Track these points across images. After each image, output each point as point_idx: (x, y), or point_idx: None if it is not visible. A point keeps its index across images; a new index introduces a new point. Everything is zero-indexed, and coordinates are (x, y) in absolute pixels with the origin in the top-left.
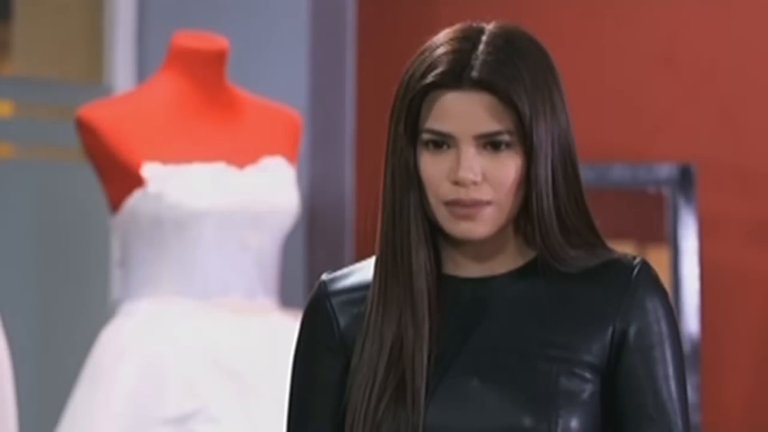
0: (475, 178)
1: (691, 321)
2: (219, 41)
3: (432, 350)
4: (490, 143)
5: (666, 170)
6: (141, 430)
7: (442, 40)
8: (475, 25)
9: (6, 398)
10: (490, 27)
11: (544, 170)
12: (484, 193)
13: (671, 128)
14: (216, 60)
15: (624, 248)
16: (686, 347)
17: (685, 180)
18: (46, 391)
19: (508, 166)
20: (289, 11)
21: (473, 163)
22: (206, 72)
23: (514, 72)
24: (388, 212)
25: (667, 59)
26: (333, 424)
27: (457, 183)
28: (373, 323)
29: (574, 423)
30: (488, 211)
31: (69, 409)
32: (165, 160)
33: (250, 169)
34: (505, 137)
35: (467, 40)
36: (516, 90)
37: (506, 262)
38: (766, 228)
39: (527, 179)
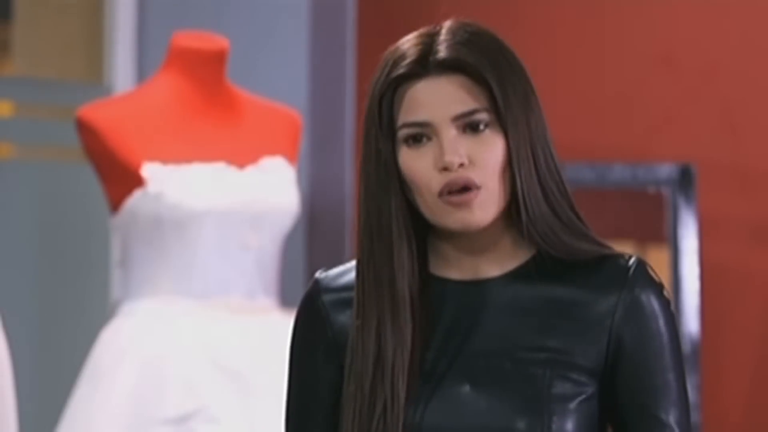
0: (462, 159)
1: (691, 321)
2: (219, 41)
3: (418, 356)
4: (469, 125)
5: (666, 170)
6: (141, 430)
7: (401, 42)
8: (432, 26)
9: (6, 398)
10: (446, 22)
11: (525, 148)
12: (474, 174)
13: (671, 128)
14: (216, 60)
15: (624, 248)
16: (686, 347)
17: (685, 180)
18: (46, 391)
19: (493, 146)
20: (289, 11)
21: (456, 145)
22: (206, 72)
23: (477, 51)
24: (365, 218)
25: (667, 59)
26: (330, 420)
27: (445, 169)
28: (356, 339)
29: (568, 427)
30: (480, 197)
31: (69, 409)
32: (165, 160)
33: (250, 169)
34: (483, 115)
35: (426, 35)
36: (483, 65)
37: (499, 263)
38: (766, 228)
39: (509, 161)
